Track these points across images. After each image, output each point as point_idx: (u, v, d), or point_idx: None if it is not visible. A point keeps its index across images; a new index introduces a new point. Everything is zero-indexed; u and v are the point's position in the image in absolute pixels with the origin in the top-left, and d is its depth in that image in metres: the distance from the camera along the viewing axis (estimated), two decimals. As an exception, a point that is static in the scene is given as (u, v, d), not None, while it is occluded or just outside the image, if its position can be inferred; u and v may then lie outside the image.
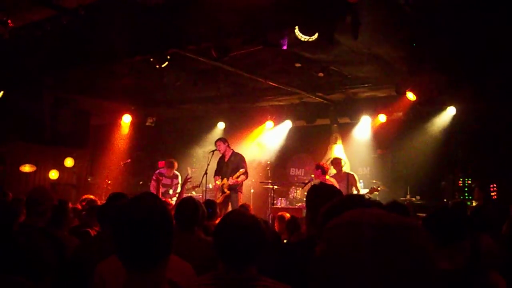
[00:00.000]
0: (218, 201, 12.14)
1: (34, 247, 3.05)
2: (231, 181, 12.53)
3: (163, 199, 11.91)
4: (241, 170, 12.59)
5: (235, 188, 12.60)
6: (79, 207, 8.38)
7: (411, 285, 1.21)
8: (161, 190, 12.40)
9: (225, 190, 12.63)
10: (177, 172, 13.55)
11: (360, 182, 13.44)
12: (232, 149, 13.08)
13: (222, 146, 12.97)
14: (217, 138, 13.63)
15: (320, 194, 4.25)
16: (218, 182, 12.98)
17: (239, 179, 12.57)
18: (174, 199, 12.42)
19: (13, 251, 2.97)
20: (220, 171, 13.05)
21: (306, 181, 13.35)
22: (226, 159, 12.99)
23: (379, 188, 12.91)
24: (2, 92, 13.03)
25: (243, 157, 13.03)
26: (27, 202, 5.42)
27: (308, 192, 4.46)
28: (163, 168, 13.49)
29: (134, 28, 9.61)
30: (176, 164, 13.41)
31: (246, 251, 3.27)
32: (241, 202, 12.16)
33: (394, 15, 8.46)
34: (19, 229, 4.88)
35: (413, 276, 1.22)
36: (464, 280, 3.21)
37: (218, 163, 13.22)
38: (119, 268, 3.33)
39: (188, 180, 11.20)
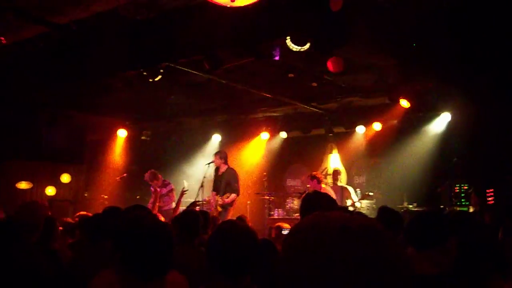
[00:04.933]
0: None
1: (30, 261, 3.05)
2: (220, 201, 12.54)
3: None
4: (232, 195, 12.61)
5: (226, 207, 12.58)
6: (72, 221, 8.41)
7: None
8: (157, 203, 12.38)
9: (218, 207, 12.62)
10: (167, 180, 13.50)
11: (357, 191, 13.45)
12: (227, 165, 13.03)
13: (217, 161, 12.92)
14: (214, 150, 13.62)
15: (314, 202, 4.27)
16: (210, 197, 13.05)
17: (228, 199, 12.55)
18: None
19: (10, 266, 2.98)
20: (214, 185, 13.05)
21: (303, 192, 13.33)
22: (219, 173, 12.98)
23: (370, 194, 12.94)
24: (-4, 109, 13.04)
25: (236, 173, 12.92)
26: (16, 218, 5.41)
27: (302, 200, 4.47)
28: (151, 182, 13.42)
29: (126, 42, 9.63)
30: (156, 173, 13.35)
31: (240, 261, 3.27)
32: (229, 217, 12.13)
33: (385, 23, 8.50)
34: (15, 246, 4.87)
35: (380, 278, 1.20)
36: (451, 284, 3.22)
37: (214, 177, 13.20)
38: (111, 284, 3.35)
39: (184, 193, 11.18)
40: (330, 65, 9.22)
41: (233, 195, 12.55)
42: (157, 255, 2.61)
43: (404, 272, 1.24)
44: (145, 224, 2.71)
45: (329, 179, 13.28)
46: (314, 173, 13.01)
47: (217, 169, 13.03)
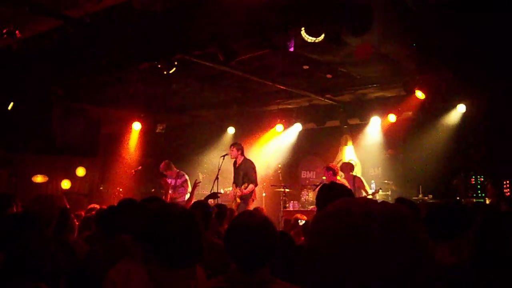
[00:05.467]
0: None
1: (47, 253, 3.05)
2: (238, 192, 12.54)
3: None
4: (250, 185, 12.64)
5: (246, 198, 12.58)
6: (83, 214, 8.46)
7: (408, 271, 1.19)
8: (170, 193, 12.44)
9: (237, 199, 12.65)
10: (181, 172, 13.53)
11: (372, 183, 13.39)
12: (243, 156, 13.03)
13: (234, 152, 12.93)
14: (228, 143, 13.60)
15: (331, 193, 4.24)
16: (230, 189, 13.05)
17: (247, 190, 12.55)
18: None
19: (28, 258, 2.98)
20: (234, 178, 13.07)
21: (318, 184, 13.28)
22: (237, 165, 12.98)
23: (380, 190, 12.93)
24: (11, 103, 13.07)
25: (252, 164, 12.96)
26: (32, 210, 5.41)
27: (319, 191, 4.44)
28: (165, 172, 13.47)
29: (139, 35, 9.62)
30: (171, 164, 13.42)
31: (258, 252, 3.23)
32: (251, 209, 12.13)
33: (401, 13, 8.43)
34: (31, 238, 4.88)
35: (410, 261, 1.19)
36: (469, 274, 3.18)
37: (233, 170, 13.25)
38: (130, 274, 3.33)
39: (197, 185, 11.19)
40: (358, 52, 9.16)
41: (251, 186, 12.59)
42: (190, 242, 2.62)
43: (430, 255, 1.24)
44: (174, 212, 2.73)
45: (346, 171, 13.17)
46: (330, 164, 12.98)
47: (234, 162, 13.04)
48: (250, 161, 13.01)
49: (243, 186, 12.52)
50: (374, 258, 1.18)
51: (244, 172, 12.71)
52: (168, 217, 2.70)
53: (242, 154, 12.99)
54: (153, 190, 16.29)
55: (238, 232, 3.31)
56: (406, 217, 1.26)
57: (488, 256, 3.22)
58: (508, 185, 11.83)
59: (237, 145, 13.16)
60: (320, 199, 4.30)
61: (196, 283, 2.75)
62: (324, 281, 1.22)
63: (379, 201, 1.31)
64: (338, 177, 12.50)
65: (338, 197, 3.79)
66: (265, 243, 3.25)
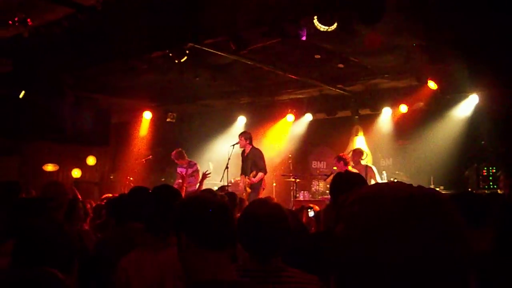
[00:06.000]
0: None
1: (61, 238, 3.03)
2: (247, 181, 12.51)
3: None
4: (259, 174, 12.63)
5: (256, 187, 12.54)
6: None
7: (445, 255, 1.16)
8: (180, 181, 12.47)
9: (247, 189, 12.62)
10: (193, 161, 13.55)
11: (383, 174, 13.33)
12: (251, 145, 12.97)
13: (242, 142, 12.86)
14: (239, 132, 13.56)
15: (345, 180, 4.21)
16: (239, 179, 13.06)
17: (256, 178, 12.51)
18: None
19: (40, 243, 2.96)
20: (242, 167, 13.04)
21: (328, 174, 13.26)
22: (245, 154, 12.94)
23: (395, 180, 12.85)
24: (23, 91, 13.10)
25: (260, 152, 12.87)
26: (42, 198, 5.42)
27: (333, 179, 4.42)
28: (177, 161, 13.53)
29: (151, 23, 9.60)
30: (183, 152, 13.46)
31: (271, 241, 3.20)
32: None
33: (414, 3, 8.37)
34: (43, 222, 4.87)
35: (449, 249, 1.17)
36: (495, 261, 3.15)
37: (242, 159, 13.24)
38: (142, 262, 3.33)
39: (207, 176, 11.19)
40: (367, 41, 9.13)
41: (260, 174, 12.50)
42: (223, 226, 2.68)
43: (467, 239, 1.21)
44: (208, 199, 2.79)
45: (357, 161, 13.13)
46: (341, 154, 12.93)
47: (243, 152, 12.99)
48: (258, 149, 12.93)
49: (251, 175, 12.47)
50: (409, 242, 1.15)
51: (252, 161, 12.64)
52: (203, 204, 2.72)
53: (251, 143, 12.91)
54: (163, 179, 16.31)
55: (250, 221, 3.28)
56: (443, 201, 1.23)
57: (508, 246, 3.20)
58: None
59: (245, 134, 13.07)
60: (335, 188, 4.27)
61: (230, 266, 2.79)
62: (358, 267, 1.19)
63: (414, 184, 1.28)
64: (350, 167, 12.44)
65: (352, 185, 3.77)
66: (278, 231, 3.22)
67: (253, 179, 12.39)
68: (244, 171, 12.75)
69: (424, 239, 1.15)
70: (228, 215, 2.73)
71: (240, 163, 13.01)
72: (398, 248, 1.15)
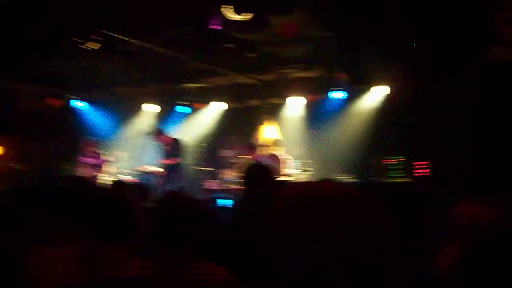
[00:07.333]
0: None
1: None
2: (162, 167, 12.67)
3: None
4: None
5: (171, 174, 12.71)
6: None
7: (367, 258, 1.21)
8: (84, 170, 12.47)
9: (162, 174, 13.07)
10: (101, 151, 13.48)
11: (294, 162, 13.45)
12: (165, 135, 13.13)
13: (156, 135, 13.03)
14: (148, 120, 13.64)
15: (258, 171, 4.23)
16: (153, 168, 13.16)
17: (169, 161, 12.94)
18: None
19: None
20: (159, 156, 13.33)
21: (239, 162, 13.35)
22: (161, 144, 13.05)
23: (310, 168, 13.10)
24: None
25: (177, 141, 13.41)
26: None
27: (246, 170, 4.43)
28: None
29: (61, 9, 9.32)
30: (95, 141, 13.39)
31: (180, 232, 3.20)
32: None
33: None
34: None
35: (369, 245, 1.22)
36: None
37: (158, 149, 13.49)
38: (52, 260, 3.23)
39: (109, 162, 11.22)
40: (282, 29, 9.18)
41: (173, 160, 13.06)
42: (122, 219, 2.65)
43: (380, 237, 1.26)
44: (106, 192, 2.75)
45: (266, 150, 13.25)
46: (252, 143, 13.04)
47: (157, 141, 13.12)
48: (173, 138, 13.09)
49: (164, 161, 12.65)
50: (332, 242, 1.20)
51: (167, 150, 12.89)
52: (98, 196, 2.69)
53: (163, 133, 13.04)
54: (70, 167, 15.96)
55: (159, 212, 3.28)
56: (367, 203, 1.29)
57: None
58: (424, 166, 12.16)
59: (157, 128, 13.65)
60: (248, 179, 4.28)
61: (127, 262, 2.75)
62: (285, 264, 1.24)
63: (335, 183, 1.34)
64: (260, 155, 12.53)
65: (264, 176, 3.77)
66: (187, 222, 3.22)
67: (169, 160, 12.90)
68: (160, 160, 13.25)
69: (347, 239, 1.20)
70: (125, 208, 2.72)
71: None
72: (321, 246, 1.19)
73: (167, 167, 12.96)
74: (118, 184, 5.91)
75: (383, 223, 1.26)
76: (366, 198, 1.28)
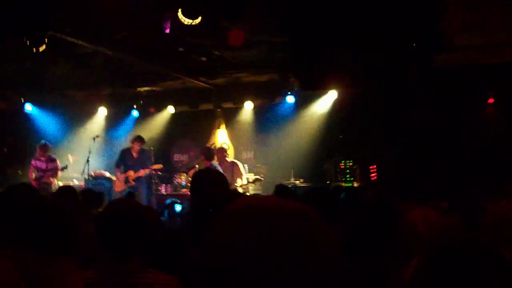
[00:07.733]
0: (117, 190, 12.94)
1: None
2: (134, 175, 12.83)
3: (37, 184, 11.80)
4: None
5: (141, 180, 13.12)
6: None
7: (310, 269, 1.21)
8: (36, 175, 12.28)
9: (131, 181, 12.98)
10: (53, 156, 13.27)
11: (245, 167, 13.46)
12: (140, 146, 13.35)
13: (134, 145, 13.28)
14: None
15: (204, 179, 4.19)
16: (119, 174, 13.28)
17: (141, 173, 13.11)
18: None
19: None
20: (127, 165, 13.29)
21: (190, 167, 13.33)
22: (135, 156, 13.15)
23: (261, 178, 13.16)
24: None
25: (149, 152, 13.82)
26: None
27: (193, 177, 4.40)
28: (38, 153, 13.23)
29: (6, 9, 9.15)
30: (48, 145, 13.23)
31: (127, 240, 3.15)
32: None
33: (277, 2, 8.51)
34: None
35: (312, 263, 1.21)
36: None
37: (123, 157, 13.41)
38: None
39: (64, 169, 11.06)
40: (230, 38, 9.19)
41: (144, 170, 13.24)
42: (57, 230, 2.60)
43: (327, 251, 1.26)
44: (40, 203, 2.68)
45: (222, 155, 13.27)
46: (206, 148, 13.10)
47: (130, 151, 13.17)
48: (148, 150, 13.87)
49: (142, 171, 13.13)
50: (281, 259, 1.20)
51: (142, 161, 13.31)
52: (32, 208, 2.62)
53: (140, 145, 13.45)
54: (19, 172, 15.68)
55: (106, 220, 3.23)
56: (309, 218, 1.29)
57: None
58: (375, 170, 12.31)
59: (138, 139, 13.55)
60: (195, 185, 4.24)
61: (67, 273, 2.68)
62: (224, 278, 1.22)
63: (281, 199, 1.32)
64: (213, 162, 12.49)
65: (212, 184, 3.74)
66: (135, 230, 3.17)
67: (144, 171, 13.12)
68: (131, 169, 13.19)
69: (286, 256, 1.19)
70: (57, 218, 2.67)
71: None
72: (261, 262, 1.18)
73: (137, 179, 12.96)
74: (63, 190, 5.81)
75: (325, 243, 1.26)
76: (311, 217, 1.28)
